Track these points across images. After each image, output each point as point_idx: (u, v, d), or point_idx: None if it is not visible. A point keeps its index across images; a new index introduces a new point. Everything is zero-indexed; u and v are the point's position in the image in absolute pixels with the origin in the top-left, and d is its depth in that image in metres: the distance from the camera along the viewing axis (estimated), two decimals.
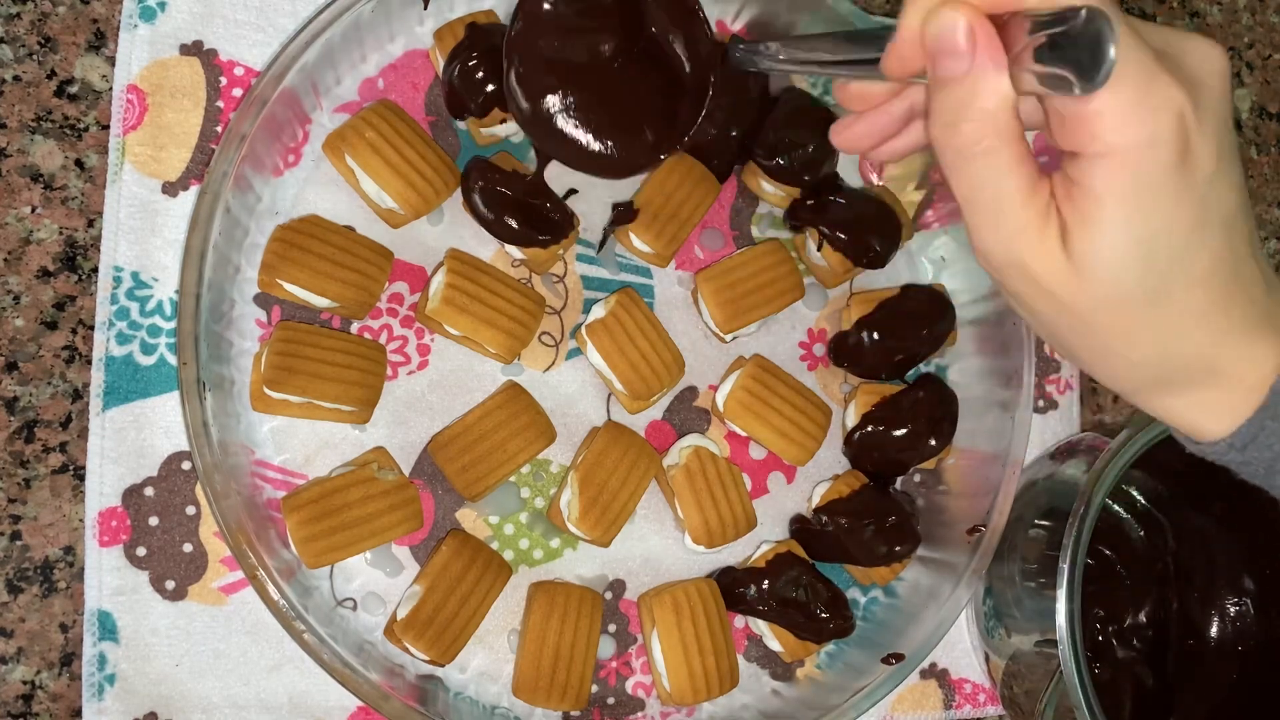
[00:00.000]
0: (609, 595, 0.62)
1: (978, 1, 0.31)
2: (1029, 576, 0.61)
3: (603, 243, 0.64)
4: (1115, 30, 0.28)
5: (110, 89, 0.58)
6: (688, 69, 0.50)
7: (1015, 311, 0.52)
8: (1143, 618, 0.71)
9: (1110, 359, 0.35)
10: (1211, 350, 0.35)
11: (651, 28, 0.50)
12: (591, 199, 0.64)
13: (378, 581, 0.58)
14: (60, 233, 0.56)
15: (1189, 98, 0.31)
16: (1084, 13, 0.28)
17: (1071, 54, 0.29)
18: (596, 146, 0.52)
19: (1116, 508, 0.70)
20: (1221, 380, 0.35)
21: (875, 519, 0.61)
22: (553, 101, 0.51)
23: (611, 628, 0.61)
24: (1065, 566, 0.55)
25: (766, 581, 0.60)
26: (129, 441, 0.55)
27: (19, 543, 0.54)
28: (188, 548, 0.55)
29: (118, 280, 0.56)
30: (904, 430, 0.63)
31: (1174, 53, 0.32)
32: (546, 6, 0.50)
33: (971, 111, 0.31)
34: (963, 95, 0.31)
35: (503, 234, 0.59)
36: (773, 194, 0.65)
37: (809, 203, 0.65)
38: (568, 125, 0.51)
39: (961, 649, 0.68)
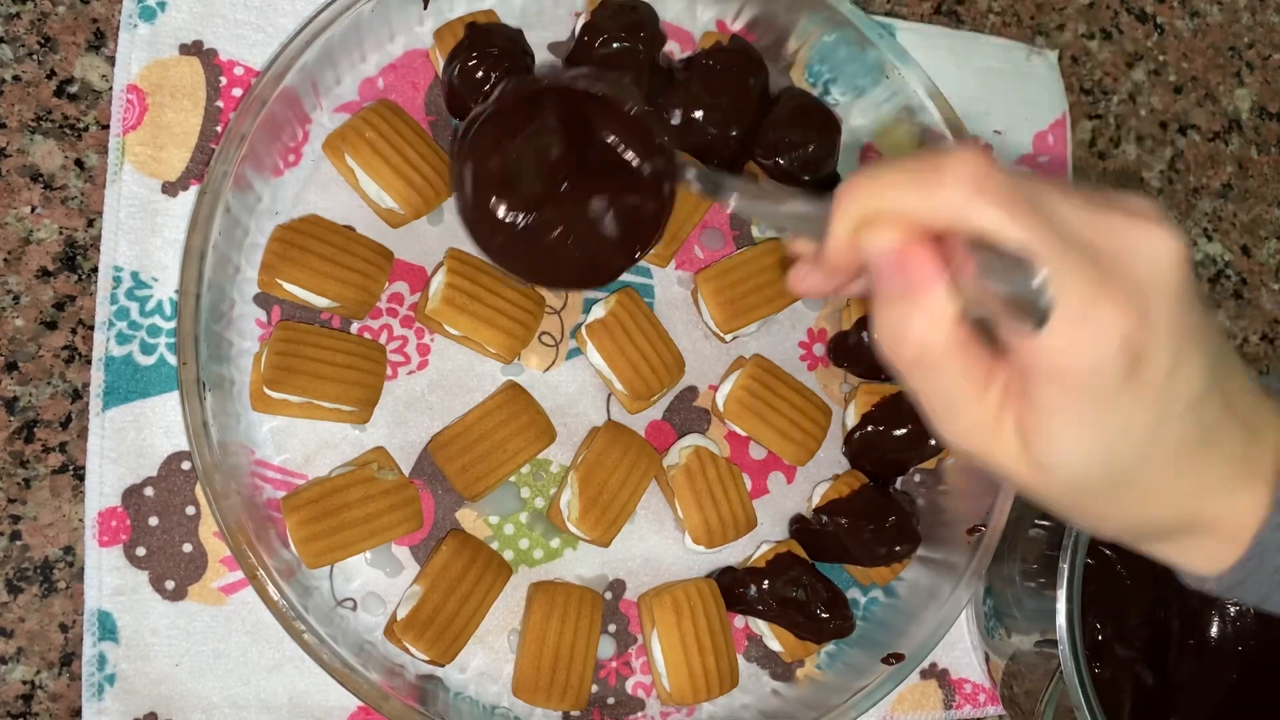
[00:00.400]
0: (609, 595, 0.62)
1: (909, 219, 0.30)
2: (1029, 576, 0.60)
3: None
4: (1045, 275, 0.27)
5: (110, 89, 0.58)
6: (644, 181, 0.48)
7: None
8: (1143, 617, 0.71)
9: (1086, 524, 0.36)
10: (1188, 511, 0.34)
11: (604, 142, 0.48)
12: None
13: (378, 581, 0.58)
14: (60, 233, 0.56)
15: (1135, 310, 0.29)
16: (1018, 257, 0.28)
17: (1013, 285, 0.28)
18: (557, 268, 0.50)
19: None
20: (1204, 531, 0.35)
21: (875, 519, 0.61)
22: (509, 229, 0.49)
23: (611, 628, 0.61)
24: (1065, 566, 0.55)
25: (766, 581, 0.60)
26: (129, 441, 0.55)
27: (19, 543, 0.54)
28: (187, 548, 0.55)
29: (117, 280, 0.56)
30: (904, 430, 0.63)
31: (1120, 250, 0.30)
32: (490, 140, 0.48)
33: (913, 331, 0.31)
34: (902, 315, 0.31)
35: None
36: None
37: None
38: (529, 251, 0.49)
39: (961, 649, 0.68)
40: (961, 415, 0.32)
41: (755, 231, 0.67)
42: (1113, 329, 0.29)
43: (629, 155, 0.48)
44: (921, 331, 0.31)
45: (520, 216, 0.49)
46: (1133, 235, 0.31)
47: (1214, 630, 0.69)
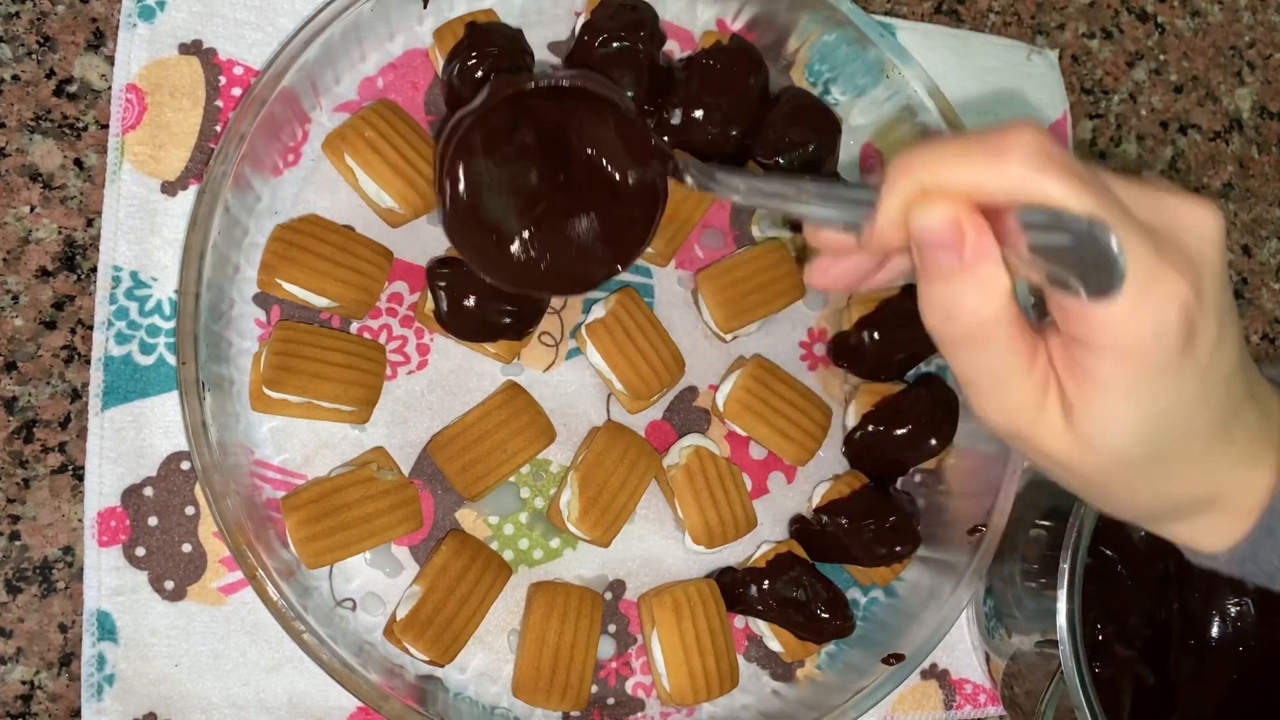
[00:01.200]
0: (609, 595, 0.61)
1: (962, 193, 0.30)
2: (1029, 576, 0.60)
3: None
4: (1118, 241, 0.27)
5: (109, 88, 0.58)
6: (637, 181, 0.47)
7: None
8: (1143, 617, 0.71)
9: (1111, 503, 0.36)
10: (1208, 486, 0.35)
11: (594, 142, 0.47)
12: None
13: (377, 581, 0.58)
14: (59, 232, 0.56)
15: (1191, 284, 0.30)
16: (1089, 226, 0.28)
17: (1071, 258, 0.28)
18: (548, 274, 0.49)
19: None
20: (1218, 507, 0.36)
21: (875, 519, 0.61)
22: (497, 238, 0.49)
23: (611, 628, 0.61)
24: (1065, 566, 0.55)
25: (766, 581, 0.60)
26: (128, 441, 0.55)
27: (18, 543, 0.54)
28: (187, 548, 0.55)
29: (117, 280, 0.56)
30: (904, 430, 0.63)
31: (1169, 226, 0.31)
32: (475, 144, 0.47)
33: (966, 306, 0.31)
34: (956, 290, 0.31)
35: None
36: None
37: None
38: (518, 258, 0.49)
39: (962, 649, 0.68)
40: (1008, 392, 0.32)
41: (755, 231, 0.67)
42: (1175, 297, 0.29)
43: (621, 155, 0.47)
44: (976, 305, 0.30)
45: (509, 225, 0.48)
46: (1182, 211, 0.31)
47: (1214, 630, 0.69)
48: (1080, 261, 0.28)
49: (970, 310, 0.31)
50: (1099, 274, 0.28)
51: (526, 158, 0.48)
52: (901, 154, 0.31)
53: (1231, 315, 0.33)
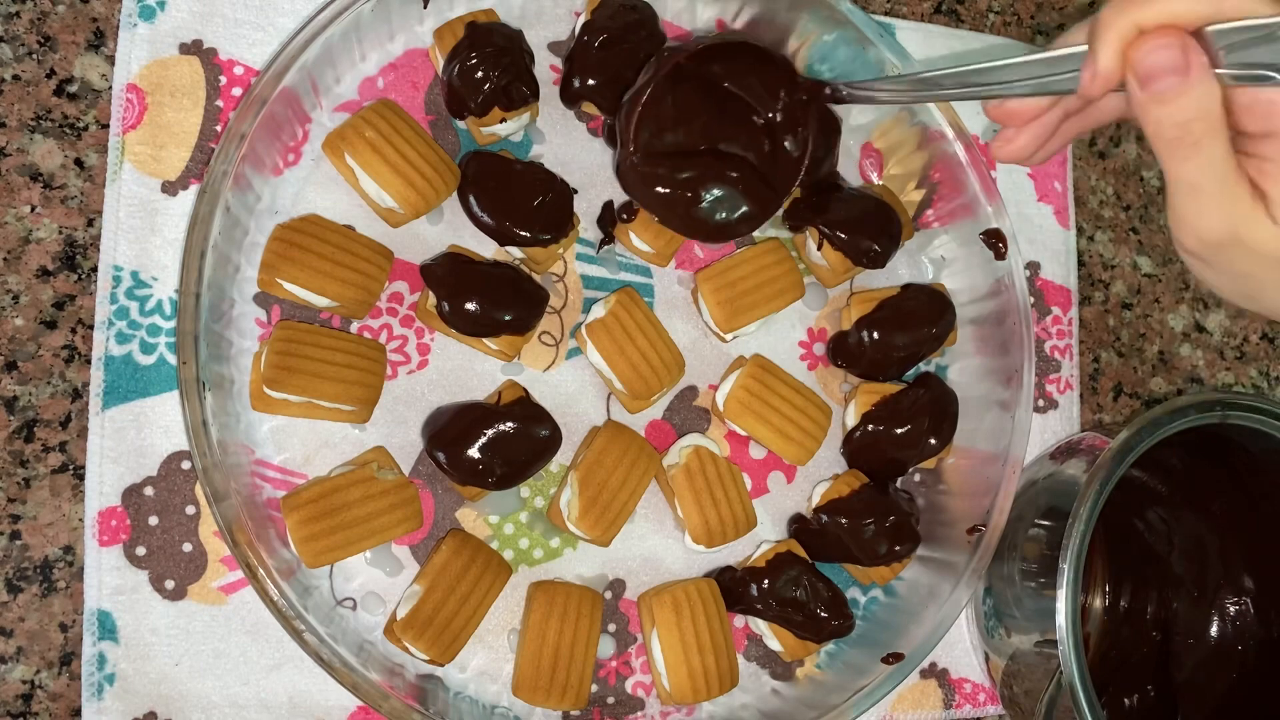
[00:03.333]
0: (609, 595, 0.62)
1: (1172, 19, 0.35)
2: (1029, 576, 0.61)
3: (603, 242, 0.64)
4: None
5: (110, 88, 0.58)
6: (792, 117, 0.56)
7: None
8: (1143, 617, 0.71)
9: None
10: None
11: (751, 89, 0.56)
12: (592, 198, 0.64)
13: (377, 581, 0.58)
14: (60, 232, 0.56)
15: None
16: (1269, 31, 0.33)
17: (1268, 55, 0.34)
18: (718, 216, 0.58)
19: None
20: None
21: (875, 519, 0.61)
22: (675, 187, 0.57)
23: (611, 627, 0.61)
24: (1065, 566, 0.55)
25: (766, 581, 0.60)
26: (128, 441, 0.55)
27: (18, 542, 0.54)
28: (187, 547, 0.55)
29: (117, 279, 0.56)
30: (904, 430, 0.63)
31: None
32: (656, 107, 0.55)
33: (1194, 108, 0.35)
34: (1185, 104, 0.36)
35: (501, 238, 0.59)
36: None
37: (809, 202, 0.65)
38: (692, 205, 0.57)
39: (961, 649, 0.68)
40: (1229, 189, 0.37)
41: (755, 231, 0.67)
42: None
43: (775, 97, 0.56)
44: (1201, 107, 0.35)
45: (685, 174, 0.56)
46: None
47: (1214, 630, 0.69)
48: (1275, 59, 0.34)
49: (1199, 117, 0.35)
50: None
51: (699, 115, 0.56)
52: (1095, 17, 0.37)
53: None
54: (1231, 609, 0.69)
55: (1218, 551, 0.69)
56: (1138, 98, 0.37)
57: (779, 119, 0.57)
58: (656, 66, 0.55)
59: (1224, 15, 0.35)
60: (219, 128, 0.58)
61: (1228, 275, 0.40)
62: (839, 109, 0.67)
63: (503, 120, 0.59)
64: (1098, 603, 0.70)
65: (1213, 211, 0.37)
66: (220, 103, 0.59)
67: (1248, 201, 0.37)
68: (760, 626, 0.62)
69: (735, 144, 0.57)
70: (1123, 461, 0.57)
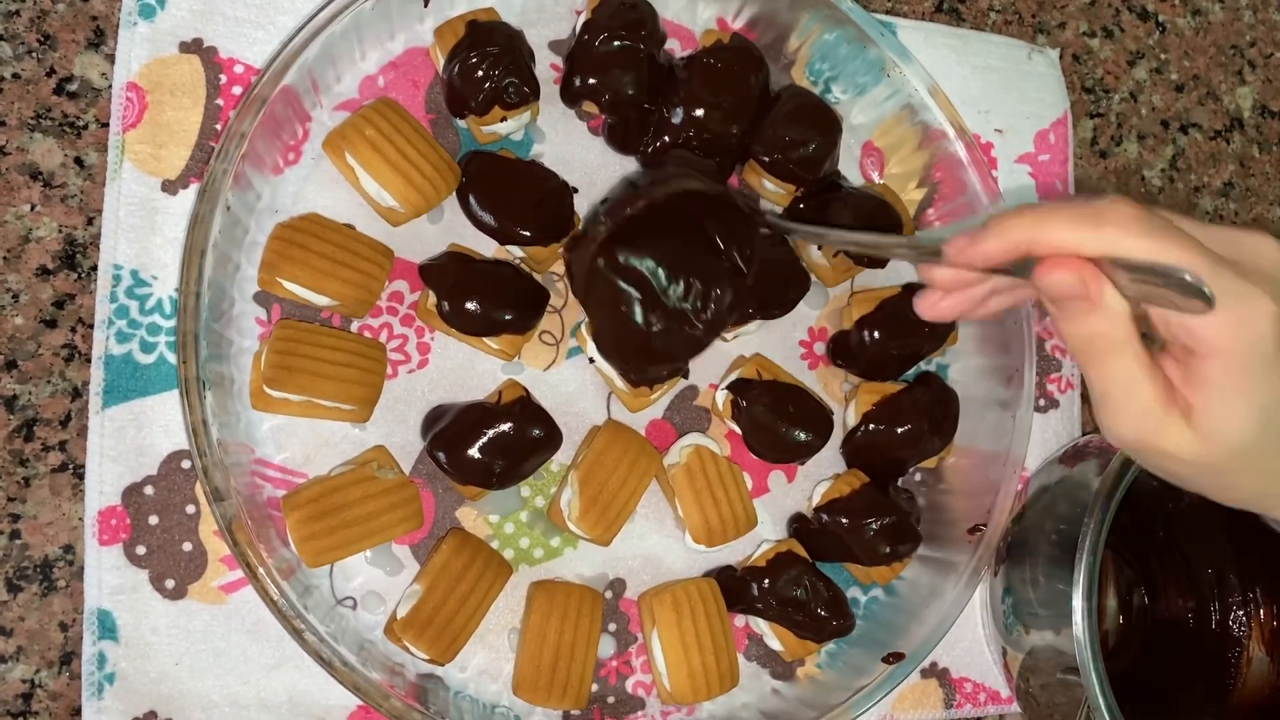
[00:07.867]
0: (609, 594, 0.62)
1: (1066, 249, 0.37)
2: (1048, 578, 0.60)
3: None
4: (1202, 278, 0.34)
5: (109, 86, 0.57)
6: (735, 256, 0.53)
7: (1013, 315, 0.62)
8: (1144, 617, 0.71)
9: (1232, 492, 0.41)
10: None
11: (705, 232, 0.53)
12: (592, 198, 0.64)
13: (378, 580, 0.58)
14: (60, 231, 0.56)
15: (1272, 294, 0.36)
16: (1178, 272, 0.34)
17: (1167, 289, 0.35)
18: (668, 355, 0.55)
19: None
20: None
21: (876, 518, 0.61)
22: (641, 338, 0.54)
23: (611, 627, 0.61)
24: (1080, 568, 0.55)
25: (767, 580, 0.60)
26: (128, 440, 0.55)
27: (18, 541, 0.54)
28: (187, 546, 0.55)
29: (117, 278, 0.56)
30: (905, 429, 0.63)
31: (1241, 255, 0.38)
32: (614, 264, 0.52)
33: (1100, 328, 0.37)
34: (1091, 323, 0.37)
35: (501, 237, 0.59)
36: (773, 192, 0.65)
37: (809, 201, 0.65)
38: (643, 350, 0.54)
39: (962, 648, 0.68)
40: (1139, 398, 0.38)
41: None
42: (1265, 310, 0.36)
43: (726, 240, 0.53)
44: (1108, 330, 0.37)
45: (652, 324, 0.53)
46: (1250, 243, 0.39)
47: (1214, 630, 0.69)
48: (1175, 290, 0.35)
49: (1104, 334, 0.37)
50: (1191, 300, 0.35)
51: (662, 262, 0.53)
52: (1006, 212, 0.39)
53: None
54: (1232, 608, 0.69)
55: (1220, 551, 0.69)
56: (1050, 309, 0.39)
57: (731, 254, 0.54)
58: (591, 231, 0.52)
59: (1118, 254, 0.36)
60: (219, 126, 0.58)
61: (1160, 474, 0.41)
62: (839, 108, 0.67)
63: (503, 119, 0.59)
64: (1113, 602, 0.70)
65: (1124, 419, 0.39)
66: (220, 101, 0.59)
67: (1158, 412, 0.38)
68: (760, 626, 0.62)
69: (696, 284, 0.54)
70: (1134, 464, 0.57)
